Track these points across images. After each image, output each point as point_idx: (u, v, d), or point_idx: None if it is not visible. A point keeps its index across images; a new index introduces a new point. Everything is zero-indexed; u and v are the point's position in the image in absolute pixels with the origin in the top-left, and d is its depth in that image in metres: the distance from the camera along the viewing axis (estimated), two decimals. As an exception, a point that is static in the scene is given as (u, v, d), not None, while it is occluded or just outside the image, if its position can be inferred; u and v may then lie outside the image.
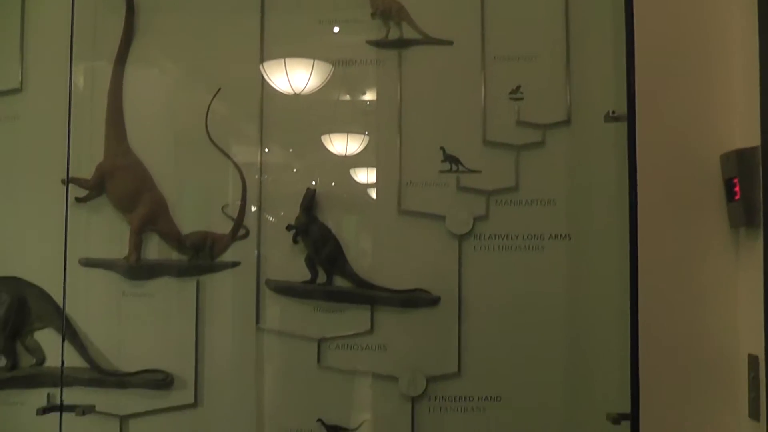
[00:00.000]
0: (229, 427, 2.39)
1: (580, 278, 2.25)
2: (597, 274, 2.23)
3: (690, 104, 1.75)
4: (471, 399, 2.33)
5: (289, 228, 2.28)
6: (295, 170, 2.43)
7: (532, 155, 2.27)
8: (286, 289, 2.32)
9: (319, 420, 2.35)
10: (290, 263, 2.26)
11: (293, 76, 2.35)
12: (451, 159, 2.34)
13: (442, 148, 2.32)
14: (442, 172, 2.29)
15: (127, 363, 2.43)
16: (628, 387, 1.87)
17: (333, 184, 2.38)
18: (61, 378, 2.35)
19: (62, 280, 2.36)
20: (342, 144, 2.40)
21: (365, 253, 2.34)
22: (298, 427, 2.37)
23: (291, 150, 2.45)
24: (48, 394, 2.43)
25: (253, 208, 2.40)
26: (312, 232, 2.35)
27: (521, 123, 2.23)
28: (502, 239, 2.32)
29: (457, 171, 2.30)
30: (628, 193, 1.86)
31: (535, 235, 2.27)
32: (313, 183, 2.36)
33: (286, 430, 2.37)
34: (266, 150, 2.40)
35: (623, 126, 1.87)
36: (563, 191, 2.23)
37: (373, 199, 2.38)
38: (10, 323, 2.45)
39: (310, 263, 2.27)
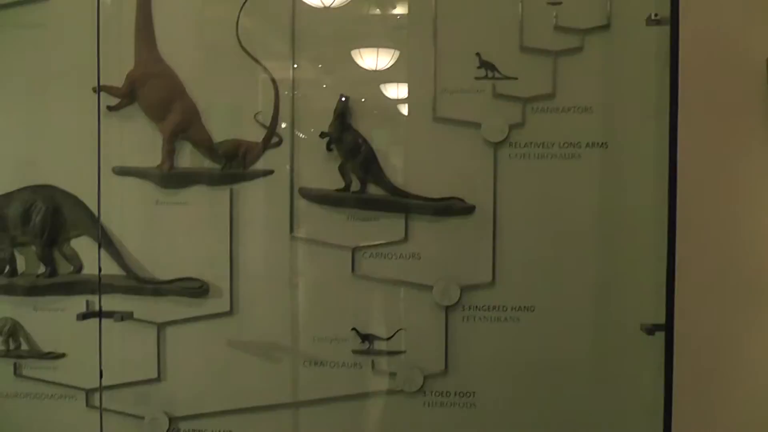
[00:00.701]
0: (263, 335, 2.62)
1: (616, 187, 2.38)
2: (633, 184, 2.36)
3: (736, 6, 1.81)
4: (504, 309, 2.52)
5: (322, 135, 2.38)
6: (324, 86, 2.56)
7: (569, 61, 2.33)
8: (319, 198, 2.43)
9: (353, 329, 2.56)
10: (324, 171, 2.39)
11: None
12: (486, 65, 2.44)
13: (477, 54, 2.43)
14: (477, 78, 2.38)
15: (162, 271, 2.64)
16: (663, 298, 2.02)
17: (363, 100, 2.52)
18: (99, 285, 2.57)
19: (96, 189, 2.55)
20: (372, 58, 2.51)
21: (400, 160, 2.43)
22: (333, 335, 2.59)
23: (320, 65, 2.57)
24: (87, 301, 2.68)
25: (284, 125, 2.56)
26: (346, 139, 2.48)
27: (559, 28, 2.27)
28: (538, 147, 2.45)
29: (492, 78, 2.41)
30: (668, 101, 1.94)
31: (571, 143, 2.39)
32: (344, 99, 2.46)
33: (320, 339, 2.59)
34: (295, 66, 2.53)
35: (665, 30, 1.94)
36: (601, 98, 2.29)
37: (407, 107, 2.51)
38: (46, 231, 2.67)
39: (344, 171, 2.39)
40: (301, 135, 2.55)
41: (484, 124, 2.38)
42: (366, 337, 2.56)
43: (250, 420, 2.63)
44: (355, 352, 2.54)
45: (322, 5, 2.48)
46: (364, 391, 2.58)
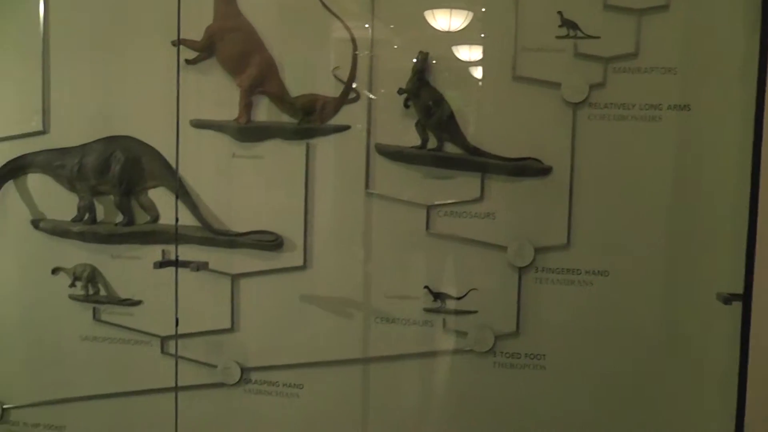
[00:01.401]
0: (336, 290, 2.83)
1: (697, 152, 2.35)
2: (715, 148, 2.40)
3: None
4: (578, 272, 2.68)
5: (400, 92, 2.50)
6: (402, 44, 2.58)
7: (654, 20, 2.37)
8: (396, 154, 2.58)
9: (426, 287, 2.74)
10: (401, 128, 2.53)
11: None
12: (568, 24, 2.54)
13: (559, 13, 2.53)
14: (558, 37, 2.44)
15: (237, 224, 2.88)
16: (741, 267, 2.13)
17: (441, 58, 2.66)
18: (176, 235, 2.82)
19: (174, 141, 2.79)
20: (450, 18, 2.66)
21: (477, 119, 2.54)
22: (405, 293, 2.78)
23: (399, 23, 2.59)
24: (162, 250, 2.94)
25: (355, 86, 2.75)
26: (423, 96, 2.61)
27: (645, -15, 2.13)
28: (618, 108, 2.56)
29: (574, 37, 2.46)
30: (757, 64, 2.03)
31: (652, 105, 2.42)
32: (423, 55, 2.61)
33: (392, 296, 2.79)
34: (373, 22, 2.68)
35: (755, -11, 1.93)
36: (685, 59, 2.34)
37: (486, 66, 2.67)
38: (125, 181, 2.95)
39: (421, 128, 2.53)
40: (371, 96, 2.74)
41: (564, 84, 2.45)
42: (438, 296, 2.73)
43: (320, 374, 2.87)
44: (426, 310, 2.64)
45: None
46: (434, 350, 2.78)
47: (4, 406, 3.15)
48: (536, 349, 2.59)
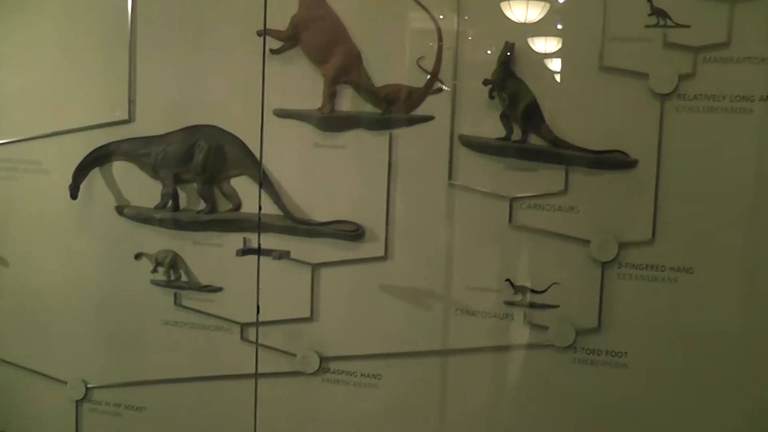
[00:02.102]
0: (416, 281, 2.99)
1: None
2: None
3: None
4: (663, 268, 2.77)
5: (485, 82, 2.61)
6: (480, 37, 2.69)
7: (747, 8, 2.39)
8: (479, 146, 2.69)
9: (507, 280, 2.91)
10: (485, 119, 2.65)
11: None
12: (658, 12, 2.47)
13: (649, 1, 2.46)
14: (647, 26, 2.48)
15: (318, 213, 3.08)
16: None
17: (527, 48, 2.66)
18: (258, 223, 3.05)
19: (257, 130, 3.03)
20: (531, 9, 2.78)
21: (562, 111, 2.59)
22: (485, 285, 2.94)
23: (487, 13, 2.69)
24: (244, 238, 3.19)
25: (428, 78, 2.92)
26: (508, 87, 2.63)
27: (740, -27, 2.07)
28: (708, 100, 2.49)
29: (664, 25, 2.48)
30: None
31: (743, 97, 2.43)
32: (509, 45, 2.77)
33: (472, 288, 2.96)
34: (441, 17, 2.70)
35: None
36: None
37: (572, 55, 2.58)
38: (208, 169, 3.21)
39: (506, 119, 2.62)
40: (444, 86, 2.91)
41: (653, 75, 2.50)
42: (519, 289, 2.88)
43: (399, 365, 3.05)
44: (507, 303, 2.75)
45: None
46: (513, 343, 2.94)
47: (88, 386, 3.48)
48: (617, 347, 2.65)
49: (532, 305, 2.75)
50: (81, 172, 3.41)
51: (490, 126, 2.70)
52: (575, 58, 2.76)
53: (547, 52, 2.62)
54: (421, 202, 2.85)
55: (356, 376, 3.10)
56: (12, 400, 3.61)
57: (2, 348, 3.63)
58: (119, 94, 3.30)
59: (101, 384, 3.48)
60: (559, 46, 2.79)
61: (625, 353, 2.80)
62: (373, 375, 3.08)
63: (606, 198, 2.76)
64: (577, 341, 2.69)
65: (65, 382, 3.53)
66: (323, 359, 3.16)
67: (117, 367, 3.43)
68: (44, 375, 3.55)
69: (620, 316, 2.78)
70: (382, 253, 2.91)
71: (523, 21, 2.62)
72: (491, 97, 2.69)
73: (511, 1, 2.75)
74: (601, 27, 2.68)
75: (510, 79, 2.68)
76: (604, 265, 2.80)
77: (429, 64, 2.72)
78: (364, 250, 2.93)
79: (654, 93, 2.67)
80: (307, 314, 3.14)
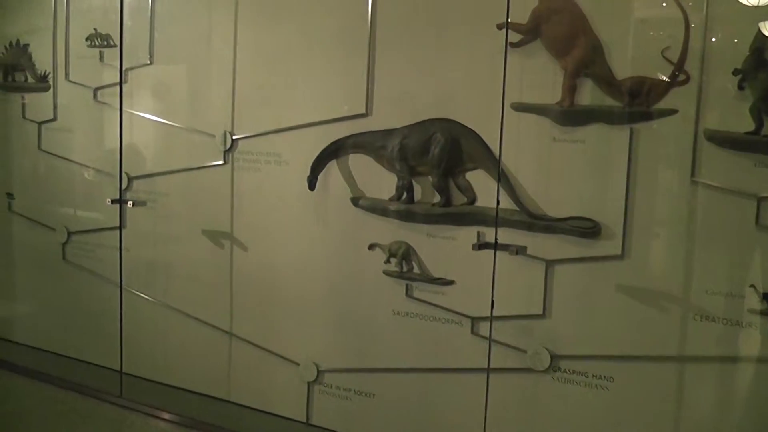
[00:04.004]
0: (653, 282, 2.98)
1: None
2: None
3: None
4: None
5: (735, 72, 2.63)
6: (740, 22, 2.72)
7: None
8: (726, 141, 2.70)
9: (752, 286, 2.86)
10: (732, 112, 2.67)
11: None
12: None
13: None
14: None
15: (554, 208, 3.21)
16: None
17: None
18: (496, 217, 3.23)
19: (494, 123, 3.21)
20: None
21: None
22: (728, 290, 2.94)
23: (713, 4, 2.72)
24: (478, 232, 3.37)
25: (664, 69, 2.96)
26: (761, 77, 2.61)
27: None
28: None
29: None
30: None
31: None
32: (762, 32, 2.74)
33: (713, 293, 2.97)
34: (690, 3, 2.76)
35: None
36: None
37: None
38: (444, 162, 3.41)
39: (756, 112, 2.61)
40: (663, 77, 2.88)
41: None
42: (766, 296, 2.81)
43: (631, 368, 3.12)
44: (750, 311, 2.75)
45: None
46: (755, 355, 2.91)
47: (320, 369, 3.82)
48: None
49: (774, 315, 2.59)
50: (319, 164, 3.74)
51: (738, 119, 2.68)
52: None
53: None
54: (661, 199, 2.92)
55: (587, 376, 3.19)
56: (250, 377, 4.09)
57: (242, 327, 4.12)
58: (357, 89, 3.58)
59: (332, 368, 3.81)
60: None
61: None
62: (605, 377, 3.16)
63: None
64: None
65: (298, 364, 3.91)
66: (554, 357, 3.25)
67: (348, 352, 3.74)
68: (279, 355, 3.97)
69: None
70: (618, 251, 2.99)
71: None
72: (741, 87, 2.68)
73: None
74: None
75: (763, 68, 2.63)
76: None
77: (674, 55, 2.76)
78: (601, 247, 3.01)
79: None
80: (539, 311, 3.25)
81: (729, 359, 2.89)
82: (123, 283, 4.23)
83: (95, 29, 4.26)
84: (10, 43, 4.55)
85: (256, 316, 4.01)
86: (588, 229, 3.06)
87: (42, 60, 4.52)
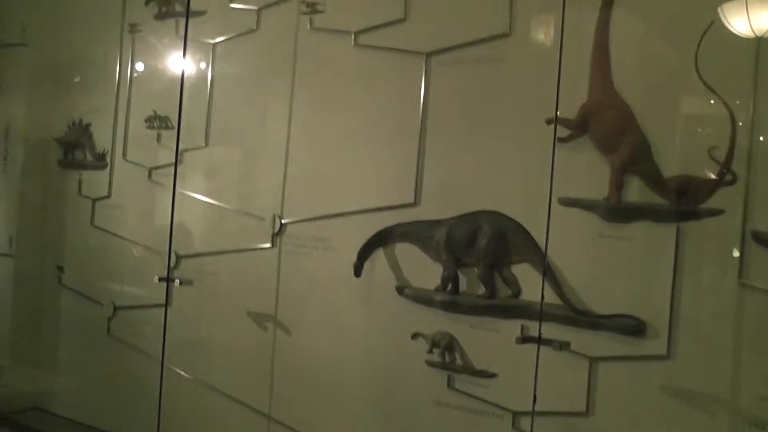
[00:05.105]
0: (700, 384, 3.03)
1: None
2: None
3: None
4: None
5: None
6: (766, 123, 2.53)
7: None
8: None
9: None
10: None
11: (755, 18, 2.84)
12: None
13: None
14: None
15: (599, 305, 3.24)
16: None
17: None
18: (540, 312, 3.25)
19: (541, 217, 3.26)
20: None
21: None
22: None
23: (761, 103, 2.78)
24: (522, 326, 3.41)
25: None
26: None
27: None
28: None
29: None
30: None
31: None
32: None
33: (765, 398, 2.93)
34: (737, 102, 2.79)
35: None
36: None
37: None
38: (490, 254, 3.49)
39: None
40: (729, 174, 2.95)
41: None
42: None
43: None
44: None
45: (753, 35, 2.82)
46: None
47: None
48: None
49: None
50: (366, 251, 3.84)
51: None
52: None
53: None
54: (708, 300, 2.97)
55: (629, 478, 2.94)
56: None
57: (281, 411, 4.18)
58: (406, 179, 3.71)
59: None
60: None
61: None
62: (646, 479, 2.91)
63: None
64: None
65: (338, 451, 3.69)
66: (597, 456, 3.01)
67: (392, 439, 3.52)
68: (319, 442, 3.75)
69: None
70: (664, 351, 3.00)
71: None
72: (792, 188, 2.65)
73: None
74: None
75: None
76: None
77: (721, 154, 2.79)
78: (646, 346, 3.03)
79: None
80: (582, 408, 3.26)
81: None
82: (165, 359, 4.21)
83: (155, 111, 4.52)
84: (73, 122, 4.77)
85: (296, 401, 4.06)
86: (633, 327, 3.10)
87: (102, 139, 4.73)
